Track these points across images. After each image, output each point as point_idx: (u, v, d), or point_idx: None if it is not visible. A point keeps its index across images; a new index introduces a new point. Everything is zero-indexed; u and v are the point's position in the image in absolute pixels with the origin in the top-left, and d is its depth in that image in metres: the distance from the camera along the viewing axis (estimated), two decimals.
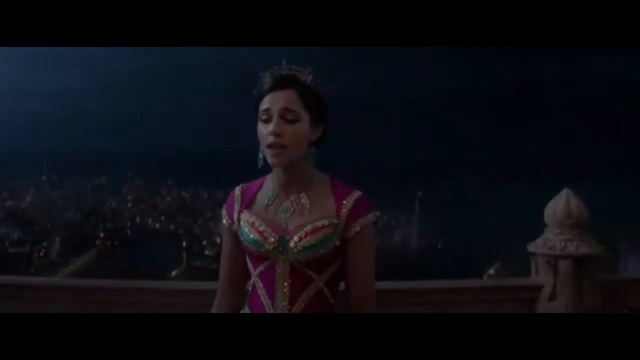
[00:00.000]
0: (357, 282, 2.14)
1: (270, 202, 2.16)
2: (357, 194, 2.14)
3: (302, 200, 2.14)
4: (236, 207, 2.21)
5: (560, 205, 3.32)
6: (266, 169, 2.18)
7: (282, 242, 2.10)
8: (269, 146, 2.05)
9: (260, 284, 2.15)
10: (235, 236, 2.20)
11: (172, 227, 50.83)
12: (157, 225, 52.04)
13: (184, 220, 51.34)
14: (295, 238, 2.09)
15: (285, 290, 2.11)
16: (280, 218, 2.14)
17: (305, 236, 2.08)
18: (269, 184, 2.19)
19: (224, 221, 2.24)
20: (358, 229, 2.11)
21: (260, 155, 2.11)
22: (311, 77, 2.11)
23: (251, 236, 2.13)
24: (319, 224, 2.09)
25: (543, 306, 3.27)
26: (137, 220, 52.73)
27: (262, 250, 2.11)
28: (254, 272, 2.17)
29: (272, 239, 2.10)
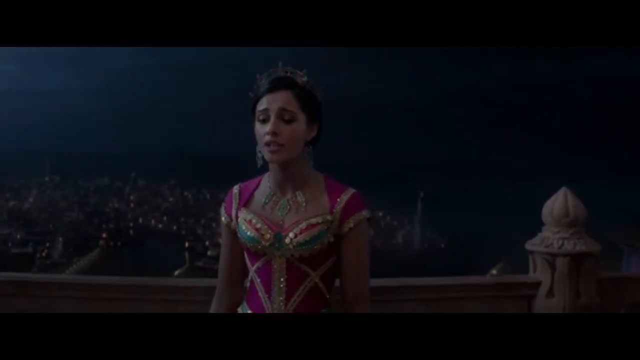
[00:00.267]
0: (351, 277, 2.20)
1: (267, 200, 2.23)
2: (350, 191, 2.20)
3: (298, 198, 2.20)
4: (234, 205, 2.27)
5: (557, 204, 3.35)
6: (265, 168, 2.24)
7: (278, 238, 2.16)
8: (267, 144, 2.11)
9: (258, 280, 2.21)
10: (233, 233, 2.26)
11: (174, 227, 50.86)
12: (160, 226, 52.08)
13: (186, 221, 51.37)
14: (291, 234, 2.15)
15: (282, 285, 2.17)
16: (277, 215, 2.20)
17: (300, 232, 2.14)
18: (265, 183, 2.25)
19: (223, 219, 2.30)
20: (352, 225, 2.17)
21: (259, 155, 2.17)
22: (306, 78, 2.17)
23: (248, 233, 2.19)
24: (313, 220, 2.15)
25: (541, 303, 3.30)
26: (140, 220, 52.78)
27: (259, 246, 2.17)
28: (252, 268, 2.23)
29: (269, 236, 2.16)
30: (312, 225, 2.15)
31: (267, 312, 2.18)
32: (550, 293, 3.29)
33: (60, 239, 43.66)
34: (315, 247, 2.14)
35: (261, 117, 2.14)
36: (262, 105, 2.14)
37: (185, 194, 57.66)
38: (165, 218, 53.12)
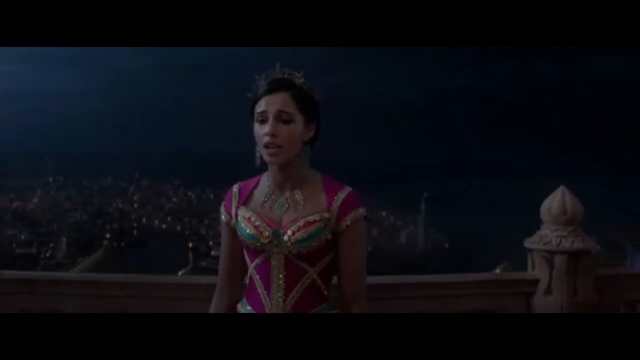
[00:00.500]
0: (348, 274, 2.23)
1: (266, 199, 2.26)
2: (347, 189, 2.24)
3: (296, 196, 2.23)
4: (234, 204, 2.31)
5: (555, 202, 3.38)
6: (264, 168, 2.28)
7: (277, 235, 2.20)
8: (266, 146, 2.15)
9: (257, 276, 2.25)
10: (233, 231, 2.30)
11: (178, 227, 50.92)
12: (164, 226, 52.17)
13: (190, 221, 51.41)
14: (289, 232, 2.18)
15: (281, 281, 2.21)
16: (275, 213, 2.24)
17: (298, 230, 2.18)
18: (264, 182, 2.29)
19: (223, 217, 2.34)
20: (349, 222, 2.21)
21: (258, 155, 2.21)
22: (303, 79, 2.21)
23: (247, 231, 2.23)
24: (311, 218, 2.19)
25: (539, 300, 3.32)
26: (144, 221, 52.85)
27: (258, 244, 2.21)
28: (251, 265, 2.27)
29: (267, 233, 2.20)
30: (310, 223, 2.18)
31: (266, 308, 2.22)
32: (548, 290, 3.32)
33: (64, 239, 43.77)
34: (312, 244, 2.17)
35: (260, 118, 2.18)
36: (260, 107, 2.18)
37: (189, 194, 57.72)
38: (169, 218, 53.19)
